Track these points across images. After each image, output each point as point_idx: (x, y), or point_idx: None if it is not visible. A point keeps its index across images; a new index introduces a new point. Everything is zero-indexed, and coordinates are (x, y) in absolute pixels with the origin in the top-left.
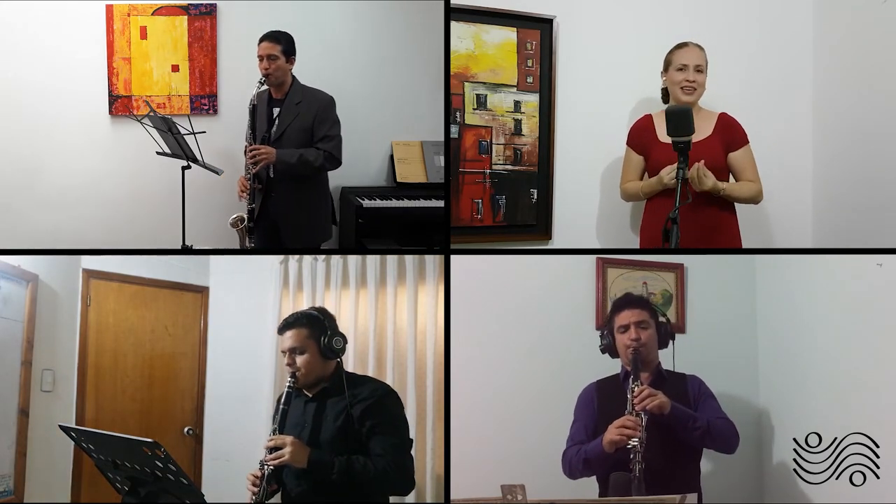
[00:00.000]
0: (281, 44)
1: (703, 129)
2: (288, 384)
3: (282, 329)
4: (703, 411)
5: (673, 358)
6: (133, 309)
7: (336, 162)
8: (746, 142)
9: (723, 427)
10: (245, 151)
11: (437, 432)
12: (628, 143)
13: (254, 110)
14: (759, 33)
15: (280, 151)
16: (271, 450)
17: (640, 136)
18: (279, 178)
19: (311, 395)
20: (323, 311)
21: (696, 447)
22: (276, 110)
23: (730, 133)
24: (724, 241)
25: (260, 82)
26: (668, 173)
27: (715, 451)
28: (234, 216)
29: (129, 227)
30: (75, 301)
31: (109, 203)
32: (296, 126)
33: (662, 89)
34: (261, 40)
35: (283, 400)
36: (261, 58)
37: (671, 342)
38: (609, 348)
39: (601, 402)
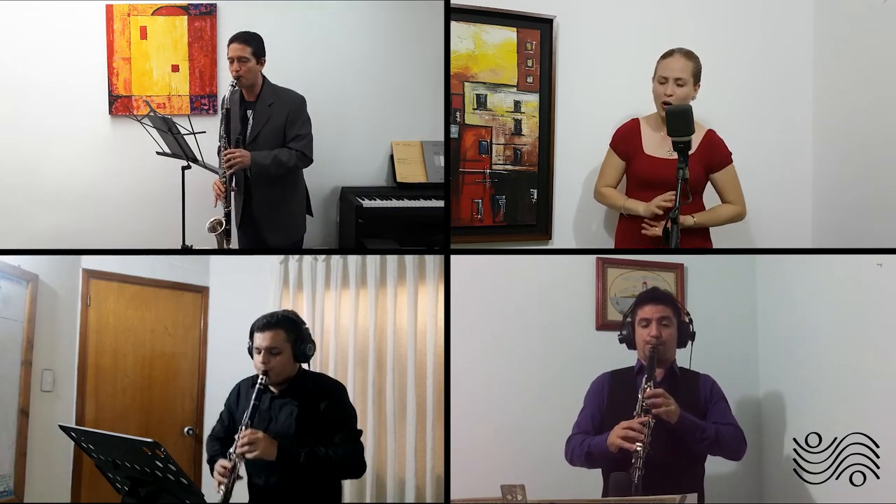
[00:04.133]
0: (251, 45)
1: None
2: (260, 382)
3: (262, 328)
4: (712, 415)
5: (690, 357)
6: (133, 309)
7: (307, 160)
8: (729, 161)
9: (731, 434)
10: (218, 153)
11: (437, 432)
12: (611, 146)
13: (228, 114)
14: (760, 34)
15: (254, 154)
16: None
17: (625, 141)
18: (257, 179)
19: (276, 392)
20: (296, 315)
21: (702, 454)
22: (249, 112)
23: (712, 154)
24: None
25: (232, 85)
26: (656, 207)
27: (722, 457)
28: (212, 220)
29: (129, 227)
30: (75, 301)
31: (109, 203)
32: (269, 127)
33: None
34: (230, 42)
35: (255, 396)
36: (231, 59)
37: (690, 343)
38: (627, 339)
39: (612, 392)
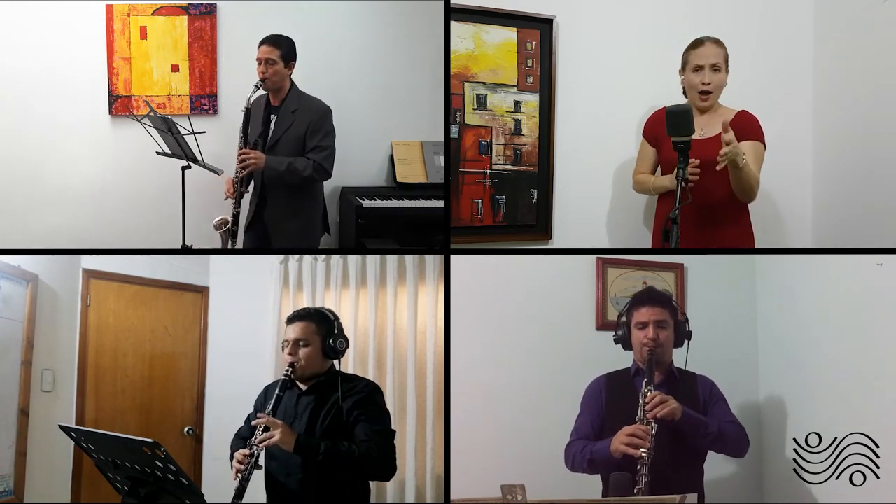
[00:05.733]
0: (280, 48)
1: (717, 125)
2: (285, 373)
3: (291, 319)
4: (713, 415)
5: (686, 357)
6: (133, 309)
7: (325, 174)
8: (758, 138)
9: (734, 431)
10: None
11: (437, 432)
12: (644, 135)
13: (248, 114)
14: (759, 33)
15: (270, 158)
16: (262, 431)
17: (654, 128)
18: (273, 184)
19: (304, 389)
20: (333, 313)
21: (707, 450)
22: (273, 117)
23: (744, 126)
24: (738, 232)
25: (256, 86)
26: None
27: (726, 455)
28: (219, 218)
29: (129, 227)
30: (75, 301)
31: (109, 203)
32: (290, 134)
33: (683, 90)
34: (260, 44)
35: (279, 387)
36: (259, 61)
37: (686, 342)
38: (623, 340)
39: (609, 396)
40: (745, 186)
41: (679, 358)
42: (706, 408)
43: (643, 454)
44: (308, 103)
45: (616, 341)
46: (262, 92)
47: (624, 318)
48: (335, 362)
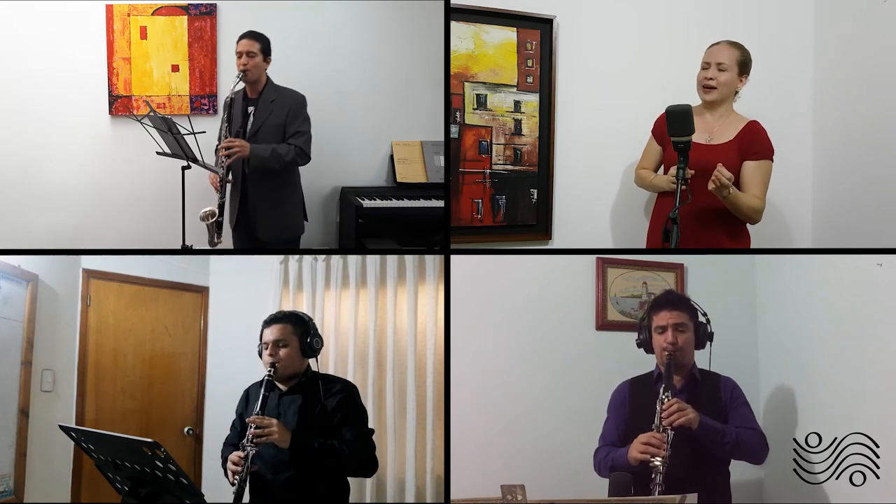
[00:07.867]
0: (260, 42)
1: (725, 134)
2: (267, 374)
3: (269, 322)
4: (734, 419)
5: (709, 358)
6: (133, 309)
7: (305, 157)
8: (767, 157)
9: (752, 438)
10: (216, 148)
11: (437, 432)
12: (652, 132)
13: (230, 106)
14: (759, 33)
15: (254, 146)
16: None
17: (662, 127)
18: (253, 174)
19: (285, 389)
20: (307, 315)
21: (725, 459)
22: (251, 108)
23: (750, 142)
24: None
25: (238, 77)
26: (671, 178)
27: (744, 461)
28: (205, 210)
29: (129, 227)
30: (75, 301)
31: (109, 203)
32: (270, 123)
33: None
34: (240, 38)
35: (264, 387)
36: (239, 54)
37: (709, 343)
38: (645, 344)
39: (634, 400)
40: (738, 213)
41: (702, 360)
42: (727, 410)
43: (657, 463)
44: (284, 93)
45: (639, 345)
46: (240, 84)
47: (645, 322)
48: (311, 362)
